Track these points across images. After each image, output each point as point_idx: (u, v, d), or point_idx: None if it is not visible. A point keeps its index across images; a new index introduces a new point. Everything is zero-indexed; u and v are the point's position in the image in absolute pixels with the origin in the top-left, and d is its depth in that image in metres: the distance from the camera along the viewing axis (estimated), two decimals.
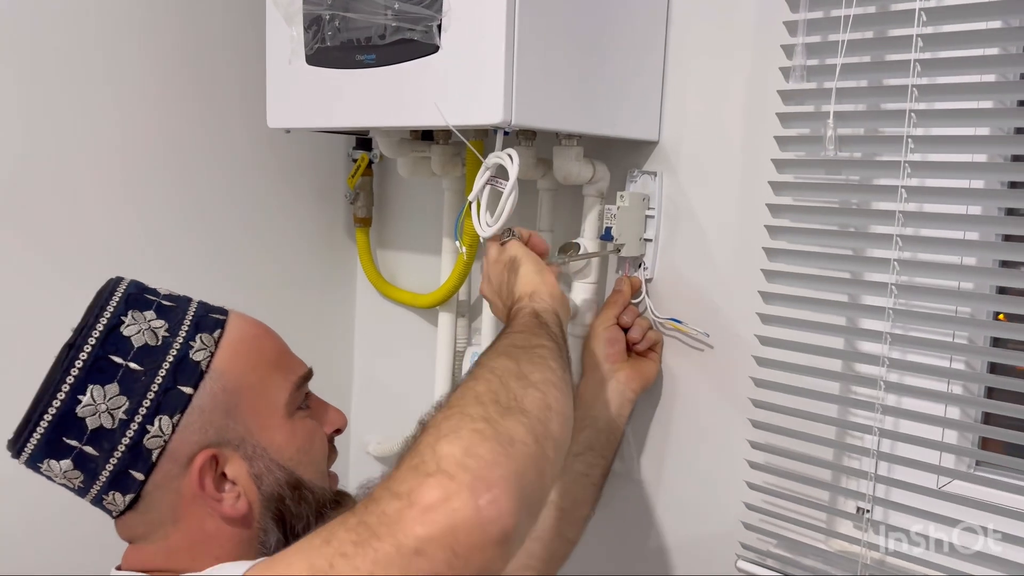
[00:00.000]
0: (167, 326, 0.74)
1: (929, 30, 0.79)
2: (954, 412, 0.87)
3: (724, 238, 1.02)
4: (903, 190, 0.81)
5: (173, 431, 0.72)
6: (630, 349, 1.06)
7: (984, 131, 0.83)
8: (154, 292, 0.78)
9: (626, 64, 1.01)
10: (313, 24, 1.05)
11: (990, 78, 0.83)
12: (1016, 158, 0.82)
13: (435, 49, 0.93)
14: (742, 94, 0.98)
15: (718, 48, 1.00)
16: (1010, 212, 0.85)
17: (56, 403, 0.70)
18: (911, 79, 0.79)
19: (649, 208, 1.07)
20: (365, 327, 1.49)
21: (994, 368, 0.86)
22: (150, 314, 0.75)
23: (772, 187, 0.90)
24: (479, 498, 0.55)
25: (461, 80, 0.92)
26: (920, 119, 0.80)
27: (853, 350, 0.91)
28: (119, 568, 0.79)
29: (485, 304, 1.20)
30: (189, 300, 0.79)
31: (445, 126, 0.93)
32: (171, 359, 0.73)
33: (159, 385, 0.72)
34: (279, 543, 0.75)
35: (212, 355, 0.75)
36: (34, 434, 0.71)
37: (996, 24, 0.81)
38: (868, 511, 0.86)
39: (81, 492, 0.74)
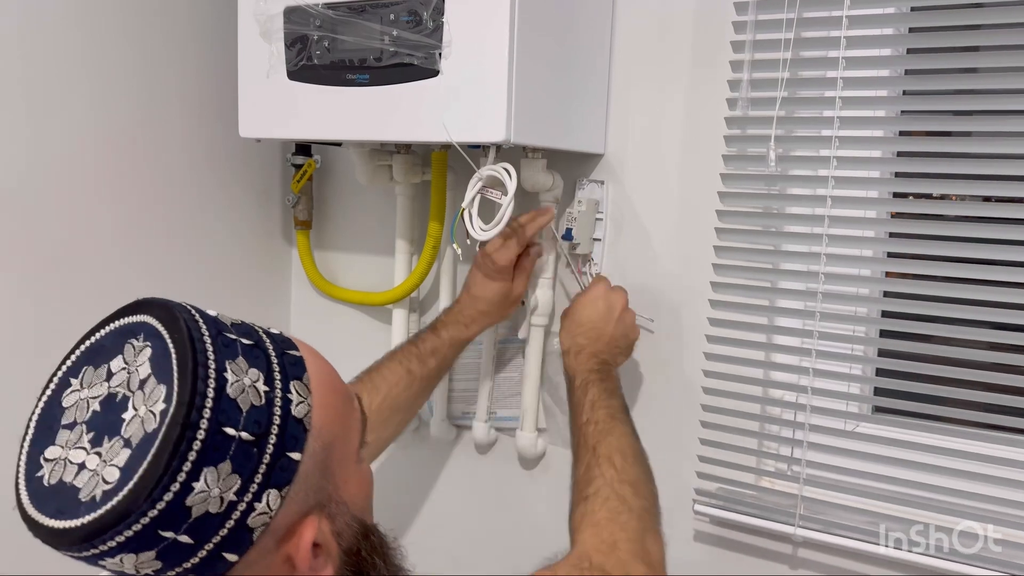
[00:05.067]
0: (263, 377, 0.62)
1: (848, 73, 1.02)
2: (857, 370, 1.12)
3: (663, 235, 1.20)
4: (829, 198, 1.04)
5: (281, 504, 0.62)
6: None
7: (876, 153, 1.08)
8: (218, 321, 0.64)
9: (579, 85, 1.16)
10: (297, 42, 1.11)
11: (881, 113, 1.07)
12: (898, 174, 1.08)
13: (435, 73, 1.03)
14: (679, 110, 1.17)
15: (656, 68, 1.17)
16: (895, 215, 1.10)
17: (168, 496, 0.56)
18: (836, 111, 1.02)
19: (598, 212, 1.24)
20: (302, 327, 1.51)
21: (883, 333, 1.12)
22: (242, 362, 0.62)
23: (720, 196, 1.10)
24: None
25: (462, 102, 1.03)
26: (842, 143, 1.03)
27: (784, 327, 1.13)
28: None
29: (441, 300, 1.32)
30: (253, 328, 0.67)
31: (445, 142, 1.04)
32: (277, 421, 0.62)
33: (270, 455, 0.61)
34: None
35: (310, 408, 0.65)
36: (123, 533, 0.56)
37: (884, 73, 1.06)
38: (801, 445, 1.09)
39: None
